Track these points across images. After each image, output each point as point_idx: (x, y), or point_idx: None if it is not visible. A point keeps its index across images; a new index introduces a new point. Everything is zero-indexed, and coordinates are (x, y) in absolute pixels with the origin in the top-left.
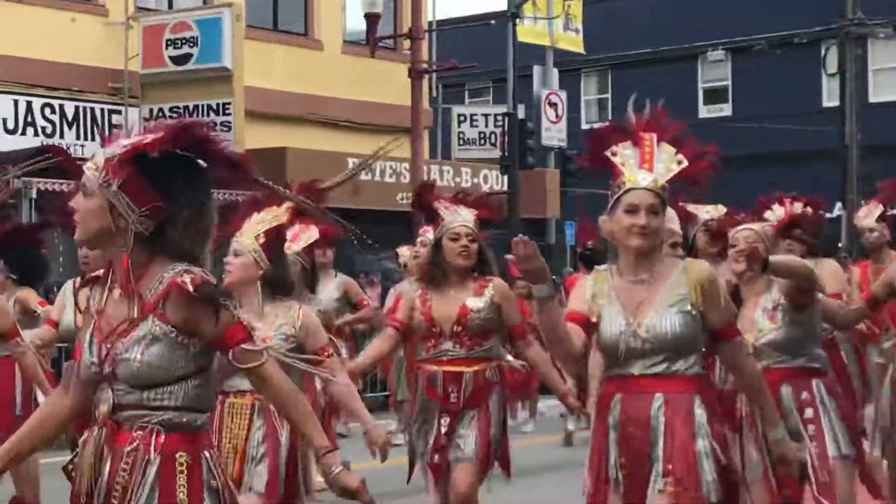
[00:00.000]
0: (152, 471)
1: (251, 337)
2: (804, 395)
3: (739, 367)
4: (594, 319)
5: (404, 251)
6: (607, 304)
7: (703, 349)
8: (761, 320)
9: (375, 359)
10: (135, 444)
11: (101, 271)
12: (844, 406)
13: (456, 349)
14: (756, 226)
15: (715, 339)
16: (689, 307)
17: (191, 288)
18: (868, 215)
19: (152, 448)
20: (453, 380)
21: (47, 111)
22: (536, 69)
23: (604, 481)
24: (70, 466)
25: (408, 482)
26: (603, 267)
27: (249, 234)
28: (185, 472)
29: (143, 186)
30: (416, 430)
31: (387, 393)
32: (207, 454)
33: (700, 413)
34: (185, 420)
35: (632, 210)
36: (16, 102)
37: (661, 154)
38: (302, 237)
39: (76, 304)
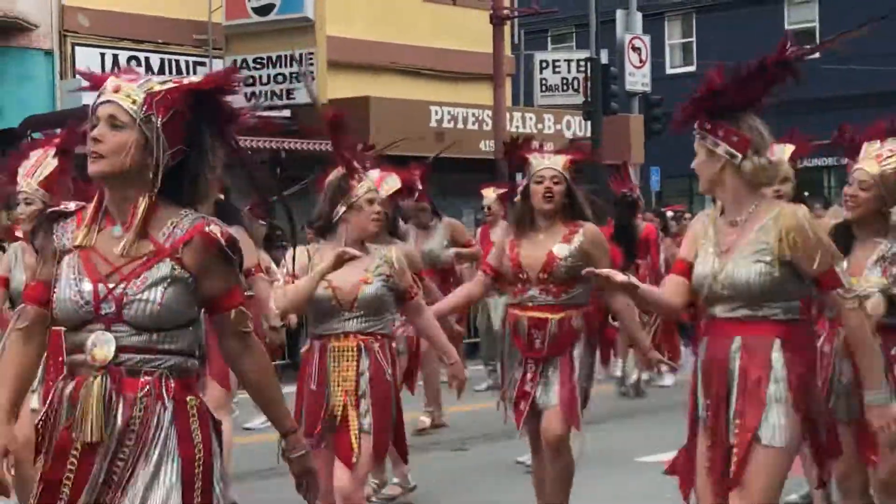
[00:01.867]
0: (167, 416)
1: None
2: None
3: (842, 319)
4: (692, 260)
5: (489, 193)
6: (704, 243)
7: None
8: (872, 270)
9: (462, 302)
10: (146, 389)
11: (72, 206)
12: None
13: (542, 296)
14: (873, 167)
15: (815, 288)
16: (769, 257)
17: (222, 239)
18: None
19: (164, 393)
20: (538, 326)
21: (133, 64)
22: (619, 13)
23: (693, 420)
24: (40, 421)
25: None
26: (719, 204)
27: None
28: (197, 416)
29: (178, 127)
30: (504, 375)
31: (477, 339)
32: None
33: (777, 357)
34: (188, 365)
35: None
36: (102, 56)
37: None
38: (383, 186)
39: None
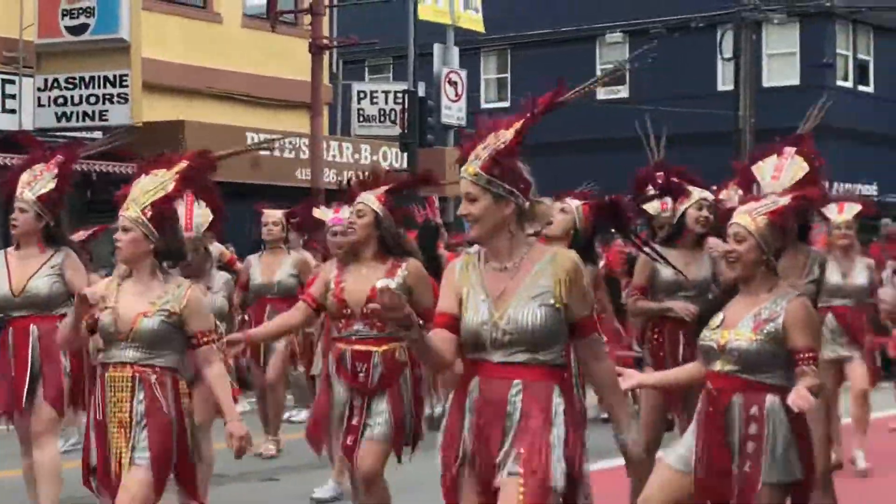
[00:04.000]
0: None
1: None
2: (753, 409)
3: (592, 365)
4: (457, 312)
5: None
6: (472, 291)
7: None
8: (745, 323)
9: (277, 330)
10: None
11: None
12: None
13: (366, 329)
14: (747, 220)
15: (571, 333)
16: (550, 300)
17: None
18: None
19: None
20: (362, 359)
21: None
22: (437, 47)
23: (456, 462)
24: None
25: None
26: (473, 249)
27: (135, 208)
28: None
29: None
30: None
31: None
32: None
33: (559, 402)
34: None
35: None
36: None
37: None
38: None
39: (8, 272)
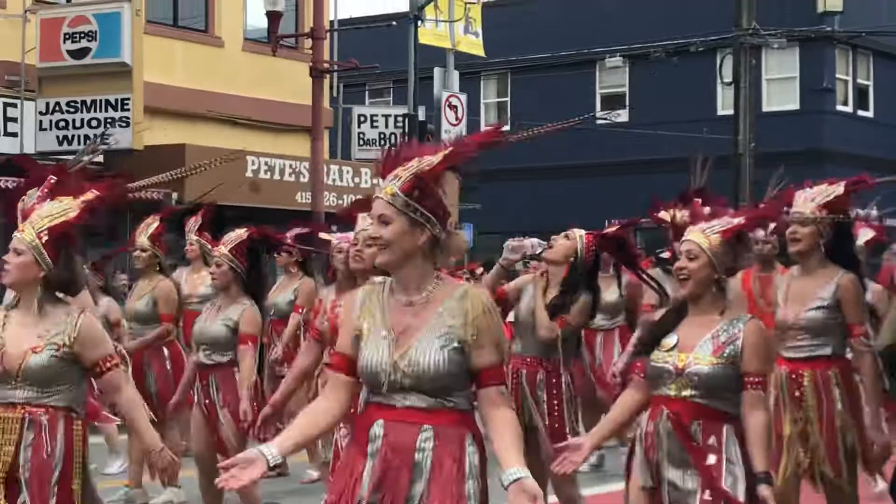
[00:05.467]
0: None
1: None
2: (712, 439)
3: (491, 414)
4: (353, 352)
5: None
6: (373, 326)
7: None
8: (704, 346)
9: (295, 383)
10: None
11: None
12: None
13: None
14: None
15: (473, 381)
16: (455, 342)
17: None
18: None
19: None
20: None
21: None
22: (437, 71)
23: None
24: None
25: None
26: (379, 279)
27: (31, 231)
28: None
29: None
30: None
31: None
32: None
33: (472, 451)
34: None
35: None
36: None
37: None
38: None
39: None
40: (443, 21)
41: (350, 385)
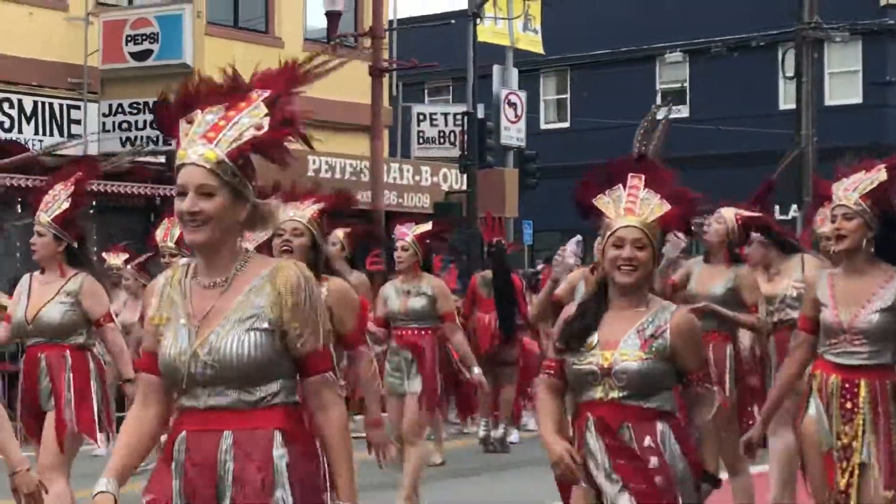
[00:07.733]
0: None
1: None
2: (647, 441)
3: (320, 420)
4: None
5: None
6: (174, 314)
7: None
8: (630, 341)
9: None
10: None
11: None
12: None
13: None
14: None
15: (298, 369)
16: (264, 324)
17: None
18: (825, 222)
19: None
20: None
21: (6, 106)
22: (496, 69)
23: None
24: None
25: None
26: (184, 261)
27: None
28: None
29: None
30: None
31: None
32: None
33: (280, 455)
34: None
35: None
36: None
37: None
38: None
39: (28, 297)
40: (502, 18)
41: (159, 386)
